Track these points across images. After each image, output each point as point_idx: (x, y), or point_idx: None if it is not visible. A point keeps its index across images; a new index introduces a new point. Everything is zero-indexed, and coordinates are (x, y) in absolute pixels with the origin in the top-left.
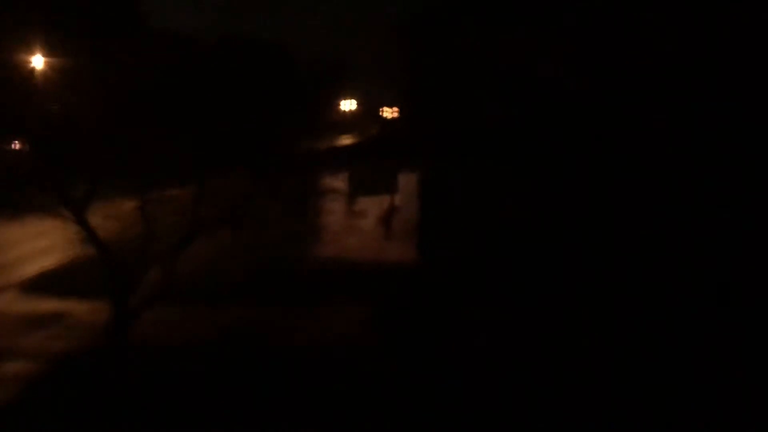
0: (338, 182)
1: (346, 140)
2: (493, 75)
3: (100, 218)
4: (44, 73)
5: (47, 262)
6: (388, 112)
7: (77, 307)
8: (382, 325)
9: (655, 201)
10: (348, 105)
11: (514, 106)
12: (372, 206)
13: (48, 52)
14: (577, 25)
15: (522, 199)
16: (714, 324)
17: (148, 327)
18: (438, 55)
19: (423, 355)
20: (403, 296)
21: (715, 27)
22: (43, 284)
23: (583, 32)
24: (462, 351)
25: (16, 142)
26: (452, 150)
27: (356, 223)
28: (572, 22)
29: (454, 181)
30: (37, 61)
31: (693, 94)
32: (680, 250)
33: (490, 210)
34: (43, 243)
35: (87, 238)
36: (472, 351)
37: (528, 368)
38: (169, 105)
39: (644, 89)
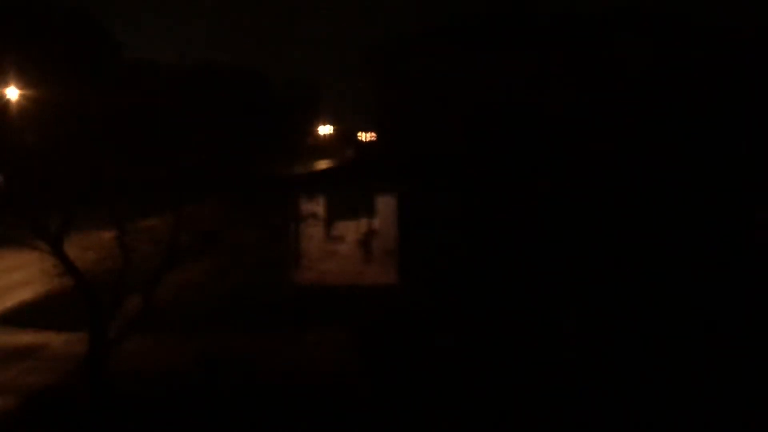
0: (316, 207)
1: (323, 164)
2: (462, 101)
3: (77, 249)
4: (19, 104)
5: (25, 294)
6: (365, 137)
7: (55, 339)
8: (361, 348)
9: (625, 223)
10: (325, 129)
11: (483, 131)
12: (350, 230)
13: (22, 84)
14: (534, 55)
15: (499, 221)
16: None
17: (127, 356)
18: (410, 82)
19: (402, 377)
20: (382, 320)
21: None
22: (20, 317)
23: (541, 62)
24: (440, 373)
25: None
26: (427, 173)
27: (335, 247)
28: (529, 53)
29: (431, 203)
30: (12, 93)
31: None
32: (646, 274)
33: (468, 231)
34: (20, 275)
35: (64, 270)
36: (449, 373)
37: (504, 390)
38: (145, 134)
39: (601, 113)
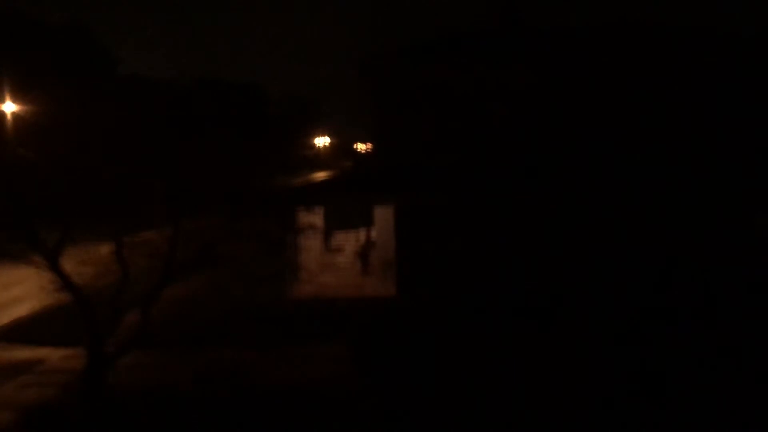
0: (314, 218)
1: (321, 175)
2: (457, 111)
3: (74, 264)
4: (15, 119)
5: (22, 310)
6: (362, 147)
7: (52, 355)
8: (360, 361)
9: (624, 230)
10: (322, 141)
11: (479, 140)
12: (349, 241)
13: (18, 99)
14: (529, 67)
15: (496, 229)
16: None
17: (125, 372)
18: (404, 93)
19: (400, 390)
20: (379, 332)
21: None
22: (17, 332)
23: (537, 73)
24: (441, 386)
25: None
26: (423, 183)
27: (333, 259)
28: (524, 65)
29: (428, 214)
30: (8, 108)
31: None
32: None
33: (466, 242)
34: (17, 291)
35: (62, 285)
36: (450, 386)
37: (504, 402)
38: (142, 148)
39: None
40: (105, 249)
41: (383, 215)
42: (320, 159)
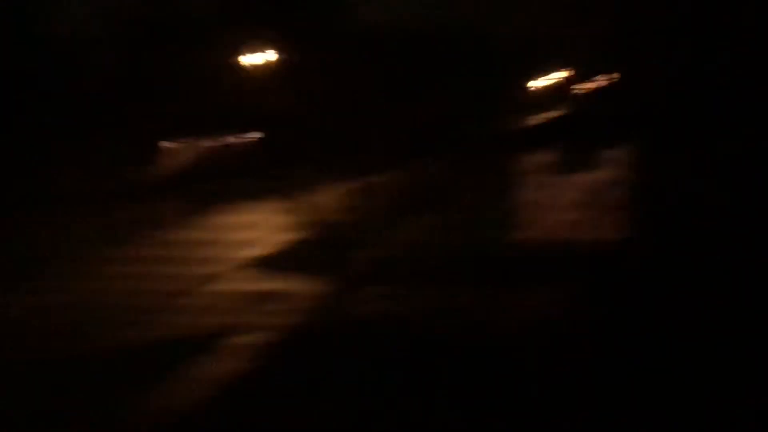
0: (542, 160)
1: (550, 115)
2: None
3: (321, 198)
4: (273, 67)
5: (262, 247)
6: (580, 88)
7: (297, 286)
8: (592, 303)
9: None
10: (538, 83)
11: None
12: (576, 184)
13: (278, 49)
14: None
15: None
16: None
17: (361, 304)
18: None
19: (627, 326)
20: (614, 274)
21: None
22: (262, 265)
23: None
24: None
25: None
26: (667, 119)
27: (563, 201)
28: None
29: (666, 155)
30: (268, 57)
31: None
32: None
33: (709, 180)
34: (254, 232)
35: (305, 221)
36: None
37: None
38: (380, 93)
39: None
40: (344, 187)
41: (615, 156)
42: (534, 102)
